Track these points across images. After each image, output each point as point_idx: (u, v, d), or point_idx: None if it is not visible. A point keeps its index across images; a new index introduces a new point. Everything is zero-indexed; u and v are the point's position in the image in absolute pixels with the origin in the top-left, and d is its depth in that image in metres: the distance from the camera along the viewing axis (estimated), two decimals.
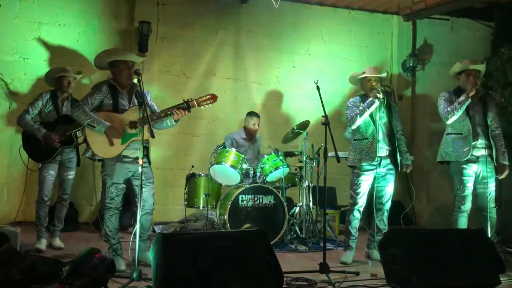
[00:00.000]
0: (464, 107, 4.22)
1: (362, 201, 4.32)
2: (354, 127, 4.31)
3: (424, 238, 3.43)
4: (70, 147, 4.60)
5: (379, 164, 4.25)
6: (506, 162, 4.32)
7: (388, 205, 4.38)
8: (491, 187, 4.28)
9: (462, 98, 4.21)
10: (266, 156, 5.27)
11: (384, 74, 4.48)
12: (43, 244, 4.50)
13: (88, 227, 5.78)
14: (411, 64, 7.13)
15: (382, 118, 4.30)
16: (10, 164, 5.73)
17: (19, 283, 2.43)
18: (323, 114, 3.90)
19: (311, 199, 5.46)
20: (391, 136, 4.30)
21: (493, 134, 4.34)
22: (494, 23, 7.26)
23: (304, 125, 5.53)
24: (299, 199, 5.49)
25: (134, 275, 3.18)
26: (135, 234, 3.39)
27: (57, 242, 4.60)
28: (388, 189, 4.36)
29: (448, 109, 4.26)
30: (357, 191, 4.30)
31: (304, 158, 5.39)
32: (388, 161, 4.30)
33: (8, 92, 5.79)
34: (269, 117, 6.85)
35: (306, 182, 5.39)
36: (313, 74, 6.82)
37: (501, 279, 3.34)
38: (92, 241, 4.85)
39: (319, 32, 7.16)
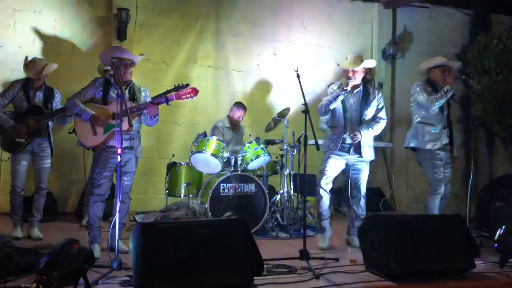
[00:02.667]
0: (449, 95, 4.43)
1: (325, 182, 4.34)
2: (322, 117, 4.41)
3: (402, 224, 3.49)
4: (41, 137, 4.53)
5: (349, 151, 4.33)
6: (458, 155, 4.87)
7: (363, 192, 4.42)
8: (449, 172, 4.65)
9: (447, 87, 4.41)
10: (247, 145, 5.26)
11: (361, 66, 4.35)
12: (19, 232, 4.48)
13: (68, 217, 5.71)
14: (391, 52, 7.19)
15: (355, 111, 4.34)
16: None
17: None
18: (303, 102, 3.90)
19: (292, 186, 5.48)
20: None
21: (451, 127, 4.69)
22: (472, 11, 7.36)
23: (284, 113, 5.53)
24: (280, 187, 5.51)
25: (114, 265, 3.17)
26: (113, 223, 3.38)
27: (36, 232, 4.54)
28: (361, 176, 4.40)
29: (433, 98, 4.43)
30: (322, 170, 4.38)
31: (285, 146, 5.40)
32: (352, 149, 4.34)
33: None
34: (251, 105, 6.80)
35: (287, 170, 5.41)
36: (294, 61, 6.81)
37: (476, 262, 3.42)
38: (71, 232, 4.80)
39: (300, 20, 7.14)
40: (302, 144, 4.16)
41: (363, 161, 4.39)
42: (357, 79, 4.33)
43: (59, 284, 2.44)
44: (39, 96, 4.58)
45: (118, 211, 3.33)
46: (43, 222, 4.83)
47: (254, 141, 5.23)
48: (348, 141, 4.31)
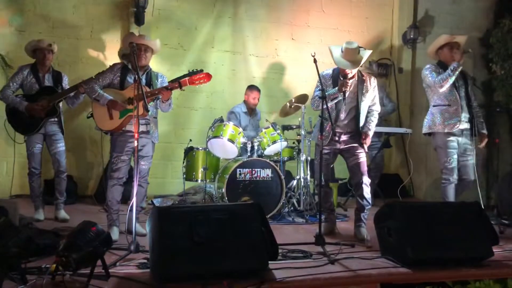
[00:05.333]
0: (457, 73, 4.29)
1: (324, 178, 4.15)
2: (316, 110, 4.10)
3: (419, 211, 3.45)
4: (54, 118, 4.61)
5: (339, 140, 4.15)
6: (485, 132, 4.56)
7: (363, 179, 4.10)
8: (472, 158, 4.47)
9: (454, 65, 4.30)
10: (263, 130, 5.26)
11: (362, 62, 4.01)
12: (40, 214, 4.62)
13: (88, 199, 5.83)
14: (411, 36, 7.03)
15: (350, 102, 4.11)
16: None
17: (16, 256, 2.47)
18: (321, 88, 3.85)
19: (308, 172, 5.47)
20: (356, 119, 4.13)
21: (473, 106, 4.51)
22: None
23: (302, 98, 5.50)
24: (297, 172, 5.51)
25: (132, 247, 3.22)
26: (130, 206, 3.43)
27: (62, 214, 4.68)
28: (355, 163, 4.16)
29: (442, 76, 4.32)
30: (317, 165, 4.18)
31: (302, 132, 5.38)
32: (345, 137, 4.16)
33: (4, 66, 5.75)
34: (268, 91, 6.81)
35: (304, 155, 5.39)
36: (312, 46, 6.75)
37: (494, 250, 3.38)
38: (91, 214, 4.89)
39: (319, 3, 7.05)
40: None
41: (356, 146, 4.15)
42: (353, 72, 4.06)
43: (77, 265, 2.50)
44: (48, 79, 4.67)
45: (136, 195, 3.37)
46: (64, 204, 4.94)
47: (271, 127, 5.22)
48: (339, 130, 4.13)
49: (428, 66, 4.51)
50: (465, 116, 4.43)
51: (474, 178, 4.46)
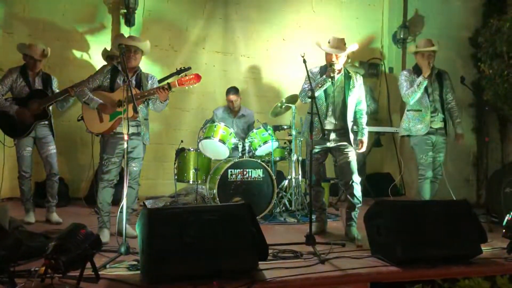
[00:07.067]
0: (422, 87, 4.57)
1: (315, 178, 4.22)
2: (304, 102, 4.19)
3: (408, 209, 3.47)
4: (44, 121, 4.60)
5: (328, 138, 4.19)
6: (461, 132, 4.82)
7: (353, 178, 4.15)
8: (442, 156, 4.77)
9: (419, 80, 4.57)
10: (254, 131, 5.27)
11: (347, 50, 4.16)
12: (31, 217, 4.60)
13: (80, 202, 5.79)
14: (401, 36, 7.08)
15: (337, 96, 4.18)
16: None
17: (5, 259, 2.46)
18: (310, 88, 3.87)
19: (300, 172, 5.48)
20: (344, 113, 4.19)
21: (449, 107, 4.81)
22: None
23: (293, 98, 5.50)
24: (288, 172, 5.52)
25: (122, 249, 3.22)
26: (121, 208, 3.42)
27: (54, 217, 4.66)
28: (345, 161, 4.20)
29: (408, 91, 4.63)
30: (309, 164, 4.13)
31: (293, 132, 5.39)
32: (335, 135, 4.21)
33: None
34: (259, 91, 6.83)
35: (295, 155, 5.40)
36: (303, 47, 6.72)
37: (483, 248, 3.41)
38: (83, 216, 4.88)
39: (309, 4, 7.08)
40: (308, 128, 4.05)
41: (346, 145, 4.21)
42: (340, 63, 4.14)
43: (66, 268, 2.49)
44: (38, 81, 4.64)
45: (126, 196, 3.36)
46: (55, 207, 4.91)
47: (262, 127, 5.23)
48: (328, 127, 4.18)
49: (404, 72, 4.81)
50: (439, 116, 4.70)
51: (437, 176, 4.74)
